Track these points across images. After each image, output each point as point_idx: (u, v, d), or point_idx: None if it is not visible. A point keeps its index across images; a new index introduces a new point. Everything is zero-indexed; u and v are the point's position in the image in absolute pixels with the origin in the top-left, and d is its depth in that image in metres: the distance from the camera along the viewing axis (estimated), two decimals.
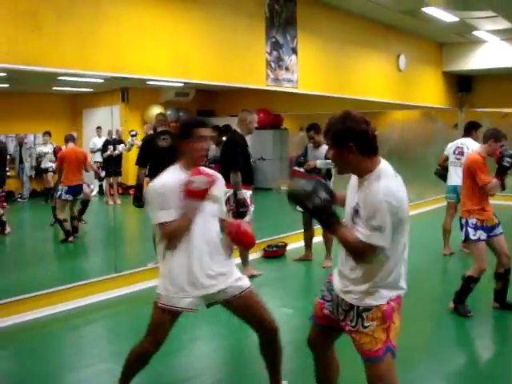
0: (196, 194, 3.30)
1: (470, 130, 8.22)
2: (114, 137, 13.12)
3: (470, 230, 5.52)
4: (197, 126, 3.45)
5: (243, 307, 3.55)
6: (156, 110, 14.70)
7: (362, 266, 2.88)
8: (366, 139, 2.81)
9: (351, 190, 2.98)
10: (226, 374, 4.51)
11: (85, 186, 9.33)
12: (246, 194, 6.72)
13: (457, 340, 5.43)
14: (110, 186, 12.85)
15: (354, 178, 2.98)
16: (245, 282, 3.60)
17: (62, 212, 8.88)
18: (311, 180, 2.95)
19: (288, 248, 8.46)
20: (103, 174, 12.92)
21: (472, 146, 7.83)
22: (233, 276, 3.55)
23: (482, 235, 5.51)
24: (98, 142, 13.96)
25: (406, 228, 2.85)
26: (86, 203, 9.59)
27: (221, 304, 3.60)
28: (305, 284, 7.54)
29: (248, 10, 7.79)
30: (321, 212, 2.83)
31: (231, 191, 6.54)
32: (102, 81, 10.49)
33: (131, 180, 13.95)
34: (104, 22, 6.05)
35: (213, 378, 4.40)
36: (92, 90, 14.10)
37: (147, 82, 10.44)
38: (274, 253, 8.21)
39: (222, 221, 3.61)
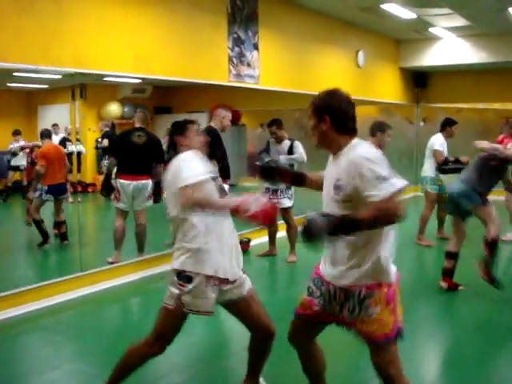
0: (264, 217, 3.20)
1: (445, 126, 8.36)
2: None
3: None
4: (190, 123, 3.72)
5: (245, 308, 3.54)
6: (113, 107, 14.55)
7: (358, 248, 2.80)
8: (343, 117, 2.85)
9: (328, 171, 2.98)
10: (195, 373, 4.47)
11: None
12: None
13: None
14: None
15: (328, 163, 3.00)
16: (249, 283, 3.59)
17: (37, 212, 8.27)
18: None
19: (252, 244, 8.46)
20: None
21: (435, 142, 8.12)
22: (242, 276, 3.56)
23: None
24: (55, 139, 13.71)
25: None
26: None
27: (223, 304, 3.55)
28: (271, 279, 7.55)
29: (210, 5, 7.77)
30: (338, 230, 2.63)
31: None
32: (59, 77, 10.28)
33: (89, 178, 13.80)
34: (66, 17, 5.96)
35: (181, 377, 4.36)
36: (47, 86, 13.85)
37: (104, 79, 10.29)
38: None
39: None
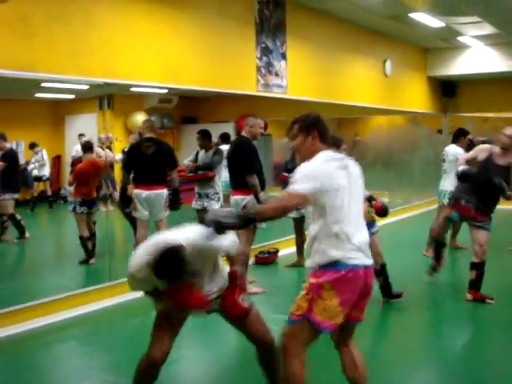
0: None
1: (459, 136, 8.26)
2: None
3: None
4: None
5: (244, 323, 3.59)
6: (140, 117, 14.60)
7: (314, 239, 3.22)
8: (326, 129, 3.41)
9: None
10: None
11: None
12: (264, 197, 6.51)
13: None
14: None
15: None
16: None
17: (83, 227, 8.02)
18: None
19: (280, 254, 8.41)
20: None
21: (453, 152, 7.99)
22: None
23: None
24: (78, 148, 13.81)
25: (338, 199, 3.16)
26: None
27: (219, 312, 3.59)
28: (298, 290, 7.43)
29: (238, 15, 7.76)
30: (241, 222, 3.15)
31: (247, 197, 6.31)
32: (87, 87, 10.35)
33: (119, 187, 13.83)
34: (95, 27, 6.00)
35: None
36: (74, 96, 13.95)
37: (131, 89, 10.34)
38: (266, 259, 8.15)
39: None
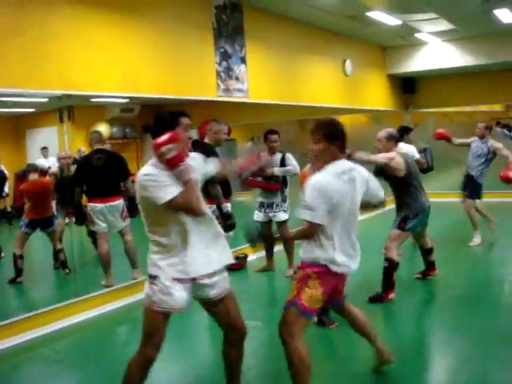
0: (175, 160, 3.26)
1: (402, 135, 8.21)
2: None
3: None
4: (182, 115, 3.43)
5: (224, 309, 3.63)
6: (101, 128, 14.44)
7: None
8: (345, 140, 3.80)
9: None
10: None
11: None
12: (227, 207, 6.46)
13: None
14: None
15: None
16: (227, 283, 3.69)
17: (19, 245, 7.86)
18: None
19: (249, 259, 8.36)
20: None
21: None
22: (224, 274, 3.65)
23: None
24: (45, 163, 13.58)
25: (340, 212, 3.61)
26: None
27: (201, 301, 3.60)
28: (270, 295, 7.44)
29: (195, 21, 7.70)
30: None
31: (213, 207, 6.06)
32: (46, 100, 10.17)
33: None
34: (51, 39, 5.88)
35: None
36: (34, 109, 13.74)
37: (92, 100, 10.20)
38: (236, 266, 8.07)
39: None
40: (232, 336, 3.70)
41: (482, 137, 8.54)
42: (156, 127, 3.41)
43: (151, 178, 3.27)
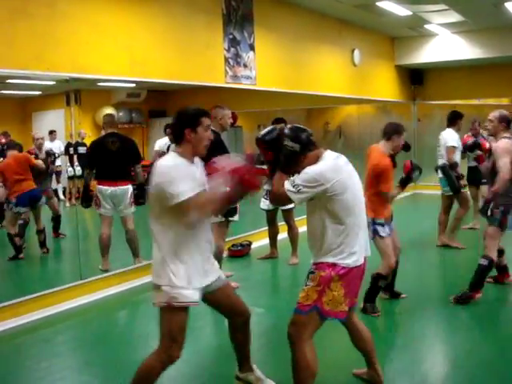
0: (253, 185, 3.36)
1: (455, 119, 8.08)
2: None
3: (379, 228, 5.38)
4: (204, 116, 3.41)
5: (224, 297, 3.66)
6: (108, 112, 14.45)
7: (320, 235, 3.44)
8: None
9: None
10: (205, 382, 4.38)
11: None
12: None
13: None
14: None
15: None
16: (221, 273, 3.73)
17: (12, 226, 7.98)
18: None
19: (253, 246, 8.37)
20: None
21: (447, 138, 7.90)
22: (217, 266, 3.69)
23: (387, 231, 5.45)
24: (53, 147, 13.60)
25: (351, 203, 3.39)
26: (56, 219, 9.09)
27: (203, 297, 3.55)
28: (273, 282, 7.46)
29: (205, 6, 7.68)
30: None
31: None
32: (53, 83, 10.15)
33: None
34: (60, 21, 5.87)
35: None
36: (41, 92, 13.74)
37: (98, 84, 10.20)
38: (239, 252, 8.11)
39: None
40: (236, 321, 3.75)
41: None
42: (177, 124, 3.44)
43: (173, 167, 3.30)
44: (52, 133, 13.46)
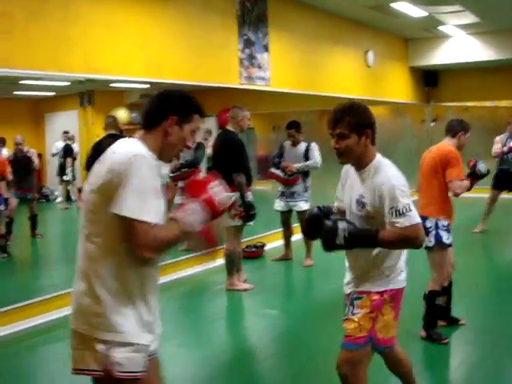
0: (219, 213, 2.43)
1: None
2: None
3: (443, 234, 4.58)
4: (200, 115, 2.51)
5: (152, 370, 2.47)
6: (122, 112, 14.45)
7: (364, 257, 2.95)
8: (375, 128, 2.96)
9: (350, 185, 3.04)
10: None
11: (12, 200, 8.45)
12: (249, 196, 6.33)
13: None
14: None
15: (350, 173, 3.07)
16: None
17: None
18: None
19: (266, 248, 8.34)
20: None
21: None
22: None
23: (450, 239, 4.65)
24: (60, 146, 13.69)
25: None
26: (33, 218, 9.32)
27: None
28: (287, 284, 7.43)
29: (219, 7, 7.66)
30: (355, 239, 2.82)
31: (236, 194, 5.95)
32: (67, 84, 10.16)
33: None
34: (74, 22, 5.85)
35: None
36: (54, 93, 13.80)
37: (111, 84, 10.21)
38: (253, 253, 8.08)
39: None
40: None
41: None
42: (160, 103, 2.49)
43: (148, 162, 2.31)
44: (66, 133, 13.52)
